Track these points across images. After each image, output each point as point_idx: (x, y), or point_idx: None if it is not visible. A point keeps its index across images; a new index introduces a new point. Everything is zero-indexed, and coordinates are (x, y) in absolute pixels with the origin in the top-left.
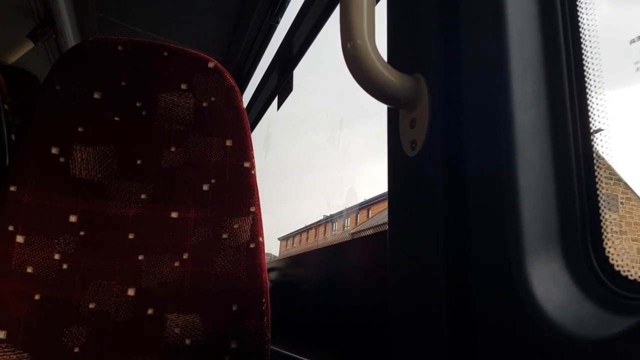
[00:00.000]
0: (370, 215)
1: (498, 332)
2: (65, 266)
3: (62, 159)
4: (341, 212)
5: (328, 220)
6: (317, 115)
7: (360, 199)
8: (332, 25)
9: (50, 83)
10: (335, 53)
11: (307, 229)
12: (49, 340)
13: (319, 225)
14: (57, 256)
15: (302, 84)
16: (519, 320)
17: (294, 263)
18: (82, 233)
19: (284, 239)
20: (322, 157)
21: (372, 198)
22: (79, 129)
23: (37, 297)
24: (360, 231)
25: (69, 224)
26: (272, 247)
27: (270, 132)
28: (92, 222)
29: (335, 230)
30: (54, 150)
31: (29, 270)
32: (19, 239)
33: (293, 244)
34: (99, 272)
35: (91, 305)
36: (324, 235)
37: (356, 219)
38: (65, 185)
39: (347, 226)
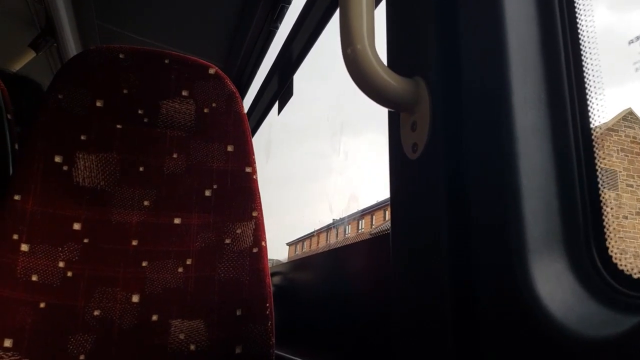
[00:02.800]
0: (387, 217)
1: (503, 333)
2: (69, 274)
3: (65, 167)
4: (353, 214)
5: (339, 223)
6: (321, 122)
7: (362, 204)
8: (332, 31)
9: (52, 92)
10: (336, 59)
11: (317, 232)
12: (55, 347)
13: (330, 228)
14: (61, 264)
15: (304, 91)
16: (523, 321)
17: (297, 267)
18: (86, 240)
19: (292, 244)
20: (327, 163)
21: (387, 199)
22: (82, 137)
23: (42, 305)
24: (379, 232)
25: (73, 232)
26: (278, 253)
27: (281, 138)
28: (95, 230)
29: (348, 232)
30: (58, 159)
31: (34, 278)
32: (24, 247)
33: (303, 248)
34: (103, 279)
35: (96, 312)
36: (336, 238)
37: (371, 221)
38: (69, 193)
39: (362, 228)
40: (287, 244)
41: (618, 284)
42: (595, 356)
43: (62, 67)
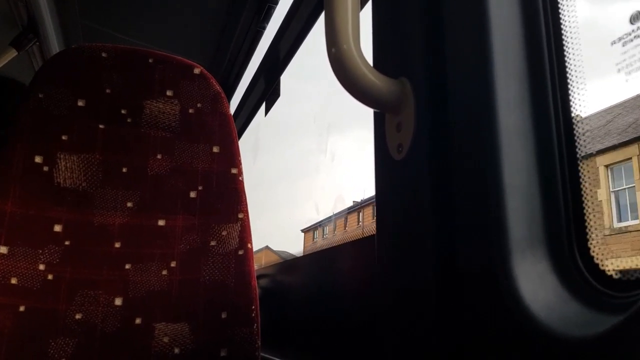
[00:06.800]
0: None
1: (486, 333)
2: (50, 276)
3: (45, 168)
4: None
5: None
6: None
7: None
8: (319, 32)
9: (33, 91)
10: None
11: (347, 213)
12: (35, 352)
13: (361, 208)
14: (42, 266)
15: (292, 90)
16: (506, 321)
17: (283, 269)
18: (67, 243)
19: (309, 230)
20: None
21: None
22: (63, 137)
23: (21, 308)
24: None
25: (54, 234)
26: (287, 245)
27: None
28: (77, 232)
29: None
30: (38, 159)
31: (13, 281)
32: (3, 249)
33: (324, 235)
34: (85, 282)
35: (78, 316)
36: (373, 218)
37: None
38: (50, 194)
39: None
40: (303, 230)
41: (600, 284)
42: (576, 356)
43: (43, 65)
